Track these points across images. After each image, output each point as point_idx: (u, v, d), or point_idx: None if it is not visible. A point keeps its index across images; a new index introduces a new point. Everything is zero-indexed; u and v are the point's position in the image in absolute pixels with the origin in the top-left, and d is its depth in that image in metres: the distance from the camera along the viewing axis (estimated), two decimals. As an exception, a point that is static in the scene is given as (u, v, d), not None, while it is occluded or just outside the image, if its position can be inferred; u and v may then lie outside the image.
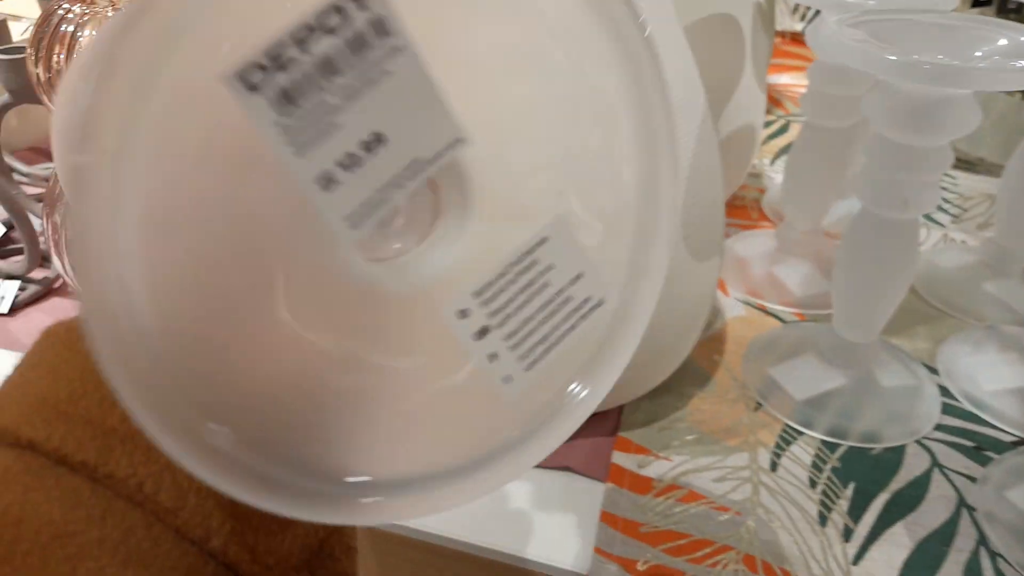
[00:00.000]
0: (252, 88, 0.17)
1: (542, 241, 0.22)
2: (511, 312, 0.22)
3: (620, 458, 0.47)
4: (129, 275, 0.18)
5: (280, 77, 0.17)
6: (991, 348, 0.56)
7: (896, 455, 0.48)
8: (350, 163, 0.18)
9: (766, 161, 0.86)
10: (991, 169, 0.85)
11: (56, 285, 0.63)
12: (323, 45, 0.17)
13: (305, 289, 0.20)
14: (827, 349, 0.53)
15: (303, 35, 0.17)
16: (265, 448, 0.20)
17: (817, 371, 0.53)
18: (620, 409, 0.51)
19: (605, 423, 0.50)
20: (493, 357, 0.22)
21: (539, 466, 0.40)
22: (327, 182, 0.18)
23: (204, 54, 0.17)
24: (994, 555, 0.42)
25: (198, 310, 0.19)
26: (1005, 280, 0.64)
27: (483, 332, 0.22)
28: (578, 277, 0.23)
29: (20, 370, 0.23)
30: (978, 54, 0.43)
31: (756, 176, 0.83)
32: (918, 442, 0.49)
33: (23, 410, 0.21)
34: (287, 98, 0.17)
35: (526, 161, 0.23)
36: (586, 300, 0.23)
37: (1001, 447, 0.49)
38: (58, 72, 0.43)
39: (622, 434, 0.49)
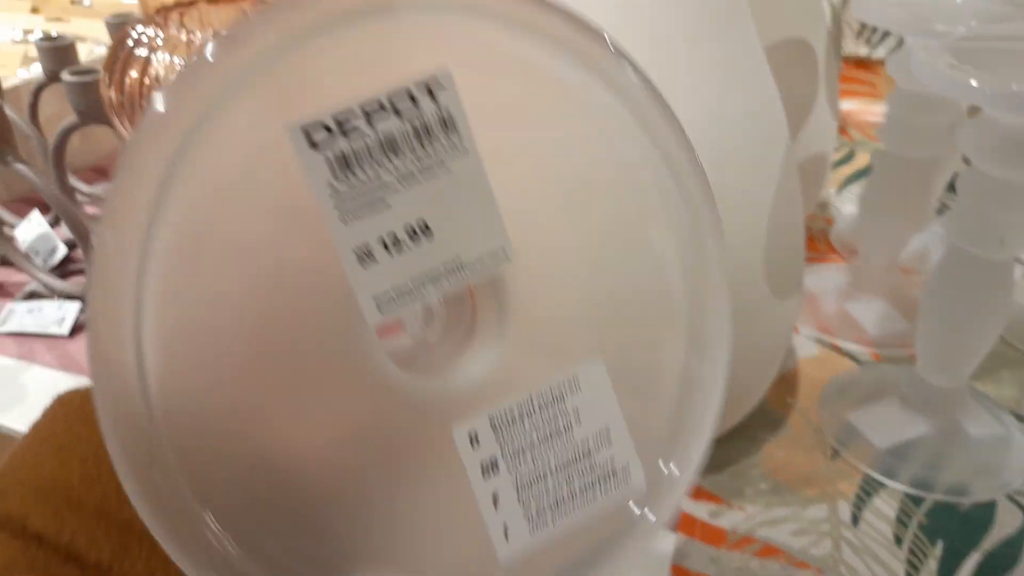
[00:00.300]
0: (313, 145, 0.17)
1: (573, 382, 0.21)
2: (526, 456, 0.21)
3: (691, 505, 0.45)
4: (144, 355, 0.18)
5: (342, 142, 0.18)
6: (1087, 396, 0.53)
7: (987, 511, 0.45)
8: (392, 245, 0.18)
9: (832, 191, 0.83)
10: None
11: (115, 306, 0.63)
12: (390, 124, 0.18)
13: (322, 378, 0.20)
14: (910, 394, 0.50)
15: (373, 109, 0.18)
16: (259, 548, 0.19)
17: (900, 417, 0.50)
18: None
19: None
20: (496, 501, 0.21)
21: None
22: (365, 257, 0.18)
23: (255, 116, 0.17)
24: (1103, 628, 0.38)
25: (213, 393, 0.18)
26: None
27: (492, 467, 0.21)
28: (606, 432, 0.22)
29: (29, 442, 0.21)
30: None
31: (822, 206, 0.80)
32: (1009, 497, 0.46)
33: (31, 495, 0.19)
34: (345, 164, 0.18)
35: (569, 291, 0.22)
36: (611, 469, 0.22)
37: (1104, 506, 0.45)
38: (131, 95, 0.43)
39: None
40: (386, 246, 0.18)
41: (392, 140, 0.18)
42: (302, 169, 0.17)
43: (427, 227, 0.19)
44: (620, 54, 0.20)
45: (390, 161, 0.18)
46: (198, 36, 0.45)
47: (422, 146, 0.18)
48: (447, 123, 0.18)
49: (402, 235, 0.18)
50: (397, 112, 0.18)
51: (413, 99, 0.18)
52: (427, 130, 0.18)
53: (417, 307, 0.20)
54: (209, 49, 0.16)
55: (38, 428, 0.21)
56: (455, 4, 0.18)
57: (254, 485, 0.19)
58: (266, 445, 0.19)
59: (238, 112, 0.17)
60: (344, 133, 0.17)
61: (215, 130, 0.17)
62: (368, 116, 0.18)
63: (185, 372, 0.18)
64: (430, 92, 0.18)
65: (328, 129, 0.17)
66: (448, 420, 0.20)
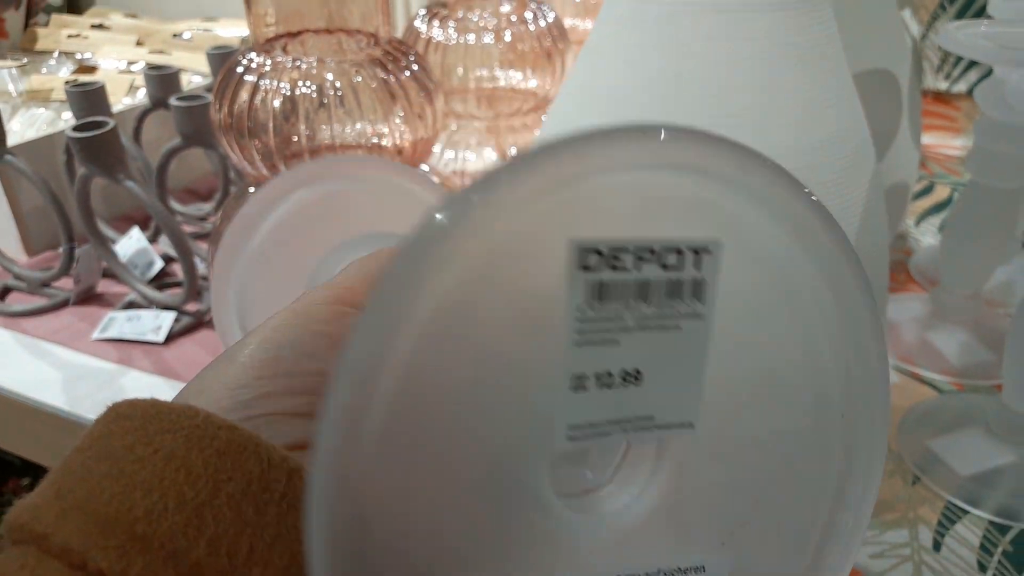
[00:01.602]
0: (584, 266, 0.18)
1: (698, 570, 0.21)
2: None
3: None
4: (364, 503, 0.17)
5: (607, 272, 0.18)
6: None
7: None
8: (604, 382, 0.19)
9: (911, 222, 0.83)
10: None
11: (207, 318, 0.67)
12: (652, 271, 0.18)
13: (496, 503, 0.20)
14: (995, 423, 0.49)
15: (643, 252, 0.18)
16: None
17: (984, 445, 0.49)
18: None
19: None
20: None
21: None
22: (578, 384, 0.19)
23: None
24: None
25: (412, 538, 0.17)
26: None
27: None
28: None
29: (83, 459, 0.18)
30: None
31: (901, 237, 0.79)
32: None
33: (93, 527, 0.16)
34: (601, 292, 0.18)
35: (728, 464, 0.22)
36: None
37: None
38: (239, 117, 0.46)
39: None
40: (599, 380, 0.19)
41: (647, 285, 0.19)
42: (565, 286, 0.18)
43: (638, 375, 0.19)
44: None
45: (638, 304, 0.19)
46: (303, 64, 0.48)
47: (669, 300, 0.19)
48: (698, 287, 0.19)
49: (617, 376, 0.19)
50: (662, 262, 0.18)
51: (680, 255, 0.19)
52: (679, 287, 0.19)
53: (599, 445, 0.20)
54: (504, 166, 0.17)
55: (92, 442, 0.18)
56: (736, 183, 0.19)
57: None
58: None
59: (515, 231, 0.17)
60: (612, 265, 0.18)
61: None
62: (637, 257, 0.18)
63: (396, 519, 0.17)
64: (696, 254, 0.19)
65: (600, 254, 0.18)
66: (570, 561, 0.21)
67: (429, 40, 0.65)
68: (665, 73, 0.37)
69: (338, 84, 0.45)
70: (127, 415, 0.18)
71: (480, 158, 0.66)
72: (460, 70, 0.66)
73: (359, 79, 0.46)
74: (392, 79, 0.47)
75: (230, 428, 0.18)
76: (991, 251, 0.59)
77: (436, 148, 0.67)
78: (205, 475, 0.17)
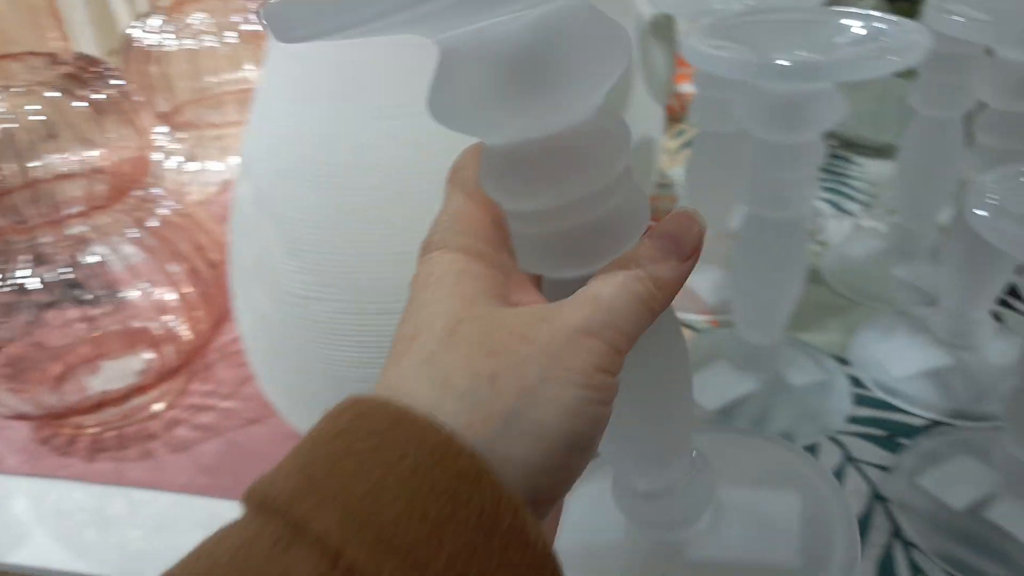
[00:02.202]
0: None
1: None
2: None
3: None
4: None
5: None
6: (901, 333, 0.57)
7: (811, 454, 0.48)
8: None
9: (679, 170, 0.87)
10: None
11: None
12: None
13: None
14: (737, 355, 0.53)
15: None
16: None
17: (729, 378, 0.53)
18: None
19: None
20: None
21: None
22: None
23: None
24: (908, 545, 0.41)
25: None
26: (912, 262, 0.64)
27: None
28: None
29: (328, 451, 0.19)
30: (839, 45, 0.43)
31: (667, 186, 0.83)
32: (831, 438, 0.49)
33: (350, 521, 0.17)
34: None
35: None
36: None
37: (913, 432, 0.49)
38: None
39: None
40: None
41: None
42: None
43: None
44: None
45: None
46: None
47: None
48: None
49: None
50: None
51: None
52: None
53: None
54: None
55: (335, 436, 0.19)
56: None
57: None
58: None
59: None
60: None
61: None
62: None
63: None
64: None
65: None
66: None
67: (151, 48, 0.62)
68: (342, 62, 0.37)
69: (10, 115, 0.42)
70: (367, 415, 0.19)
71: (228, 168, 0.64)
72: (196, 76, 0.63)
73: (37, 106, 0.43)
74: (78, 101, 0.44)
75: (470, 454, 0.18)
76: (727, 191, 0.63)
77: (175, 162, 0.64)
78: (447, 494, 0.18)
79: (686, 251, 0.23)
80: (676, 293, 0.23)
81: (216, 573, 0.17)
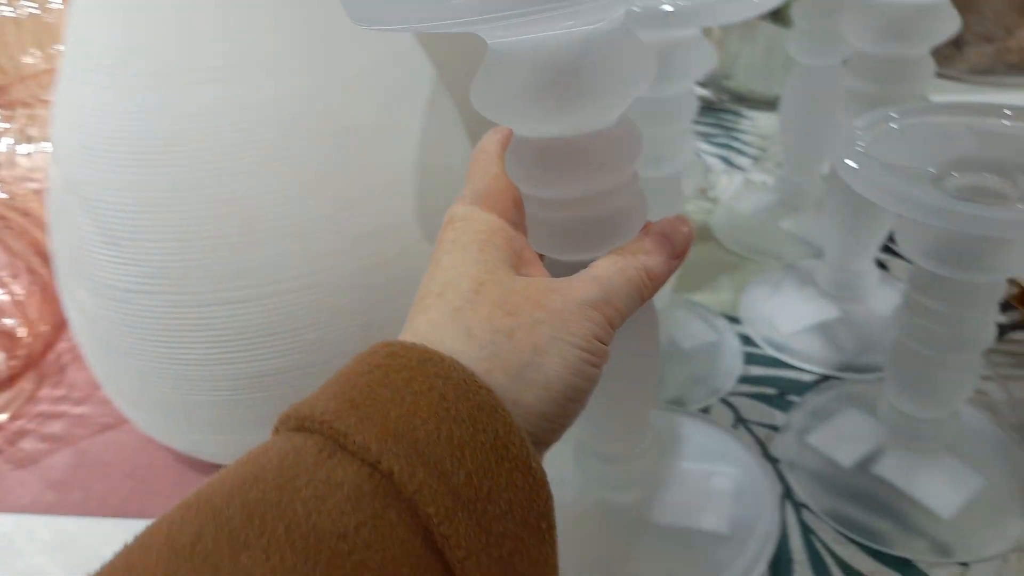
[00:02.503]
0: None
1: None
2: None
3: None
4: None
5: None
6: (789, 287, 0.56)
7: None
8: None
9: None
10: (785, 105, 0.86)
11: None
12: None
13: None
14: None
15: None
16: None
17: (619, 344, 0.51)
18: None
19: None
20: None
21: None
22: None
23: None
24: (798, 506, 0.40)
25: None
26: (799, 215, 0.64)
27: None
28: None
29: (366, 381, 0.22)
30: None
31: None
32: (722, 400, 0.48)
33: (386, 435, 0.20)
34: None
35: None
36: None
37: (803, 388, 0.48)
38: None
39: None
40: None
41: None
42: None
43: None
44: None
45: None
46: None
47: None
48: None
49: None
50: None
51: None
52: None
53: None
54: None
55: (371, 369, 0.22)
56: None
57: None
58: None
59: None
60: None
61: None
62: None
63: None
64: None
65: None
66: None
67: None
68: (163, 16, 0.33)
69: None
70: (398, 354, 0.22)
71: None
72: (22, 49, 0.56)
73: None
74: None
75: (488, 390, 0.22)
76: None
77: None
78: (468, 421, 0.21)
79: (677, 250, 0.27)
80: (664, 284, 0.27)
81: (265, 475, 0.20)
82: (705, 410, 0.47)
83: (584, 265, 0.26)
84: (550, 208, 0.26)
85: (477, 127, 0.48)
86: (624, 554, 0.37)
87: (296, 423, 0.21)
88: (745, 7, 0.36)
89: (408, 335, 0.24)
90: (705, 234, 0.65)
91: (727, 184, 0.73)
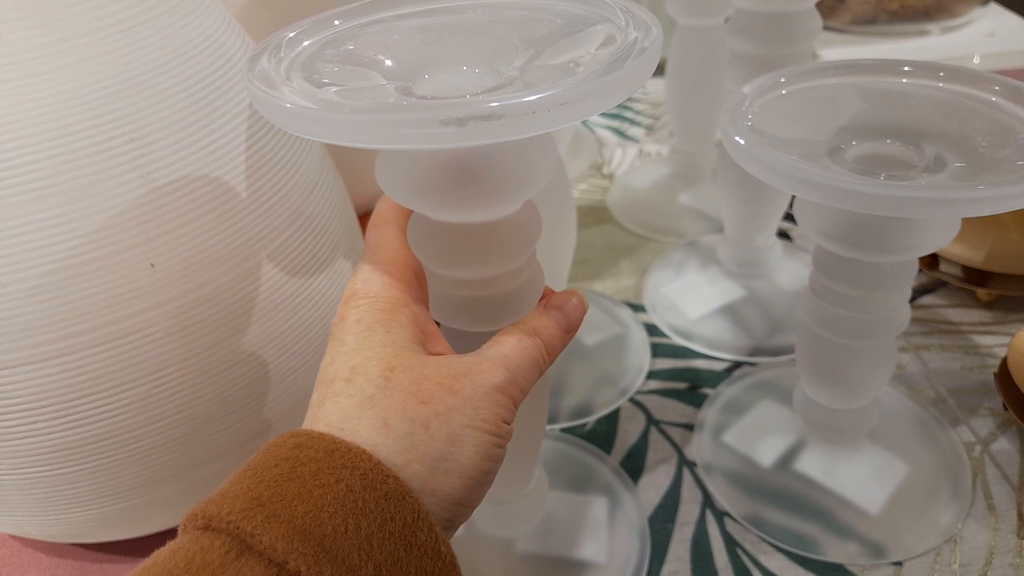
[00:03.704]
0: None
1: None
2: None
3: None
4: None
5: None
6: (692, 268, 0.52)
7: (610, 424, 0.42)
8: None
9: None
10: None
11: None
12: None
13: None
14: (521, 321, 0.47)
15: None
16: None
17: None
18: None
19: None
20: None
21: None
22: None
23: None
24: (720, 515, 0.37)
25: None
26: (696, 187, 0.60)
27: None
28: None
29: (273, 475, 0.22)
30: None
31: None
32: (632, 400, 0.44)
33: (292, 534, 0.20)
34: None
35: None
36: None
37: (715, 379, 0.44)
38: None
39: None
40: None
41: None
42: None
43: None
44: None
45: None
46: None
47: None
48: None
49: None
50: None
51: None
52: None
53: None
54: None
55: (278, 462, 0.22)
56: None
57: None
58: None
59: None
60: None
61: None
62: None
63: None
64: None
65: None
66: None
67: None
68: None
69: None
70: (306, 445, 0.22)
71: None
72: None
73: None
74: None
75: (395, 478, 0.22)
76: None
77: None
78: (376, 512, 0.21)
79: (571, 323, 0.28)
80: (558, 356, 0.28)
81: None
82: (616, 413, 0.43)
83: (485, 336, 0.26)
84: (454, 286, 0.27)
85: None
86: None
87: (203, 522, 0.21)
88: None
89: (319, 423, 0.23)
90: (602, 214, 0.61)
91: (621, 158, 0.69)
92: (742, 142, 0.28)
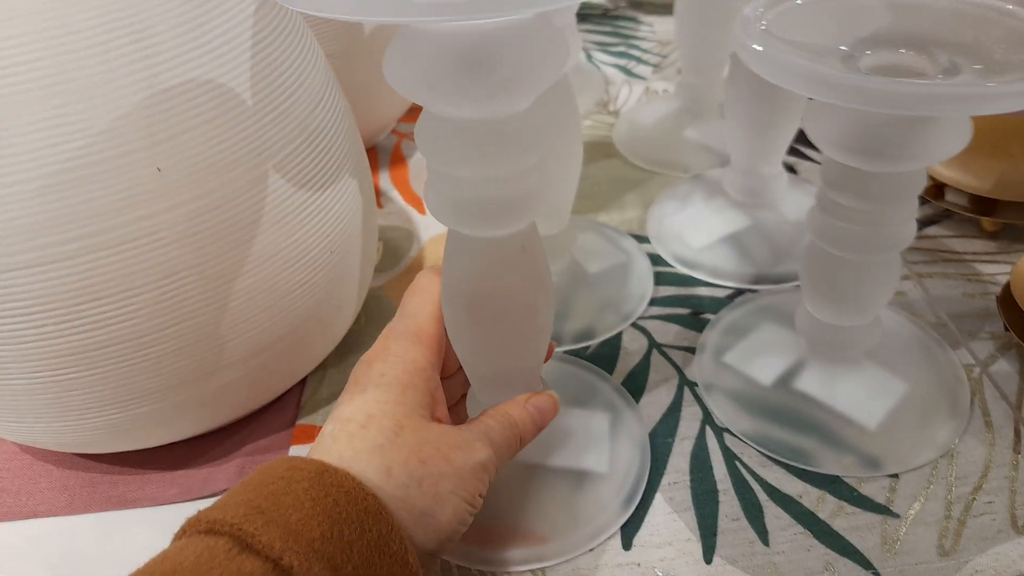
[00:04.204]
0: None
1: None
2: None
3: (298, 453, 0.38)
4: None
5: None
6: (697, 200, 0.52)
7: (612, 347, 0.43)
8: None
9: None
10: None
11: None
12: None
13: None
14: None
15: None
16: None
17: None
18: (300, 386, 0.42)
19: (281, 413, 0.41)
20: None
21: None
22: None
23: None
24: (720, 431, 0.37)
25: None
26: (703, 122, 0.60)
27: None
28: None
29: (271, 491, 0.25)
30: None
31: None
32: (634, 325, 0.44)
33: (288, 535, 0.24)
34: None
35: None
36: None
37: (718, 306, 0.45)
38: None
39: (303, 421, 0.40)
40: None
41: None
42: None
43: None
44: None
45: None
46: None
47: None
48: None
49: None
50: None
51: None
52: None
53: None
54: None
55: (275, 480, 0.26)
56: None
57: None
58: None
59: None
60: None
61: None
62: None
63: None
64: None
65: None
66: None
67: None
68: None
69: None
70: (300, 467, 0.26)
71: None
72: None
73: None
74: None
75: (373, 496, 0.26)
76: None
77: None
78: (356, 523, 0.25)
79: (543, 423, 0.32)
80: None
81: (183, 571, 0.23)
82: (618, 337, 0.43)
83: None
84: (458, 186, 0.27)
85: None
86: (522, 497, 0.35)
87: (207, 526, 0.24)
88: None
89: (330, 456, 0.27)
90: (608, 150, 0.61)
91: (627, 95, 0.69)
92: (757, 47, 0.28)
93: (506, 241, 0.29)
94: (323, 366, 0.43)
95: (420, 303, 0.32)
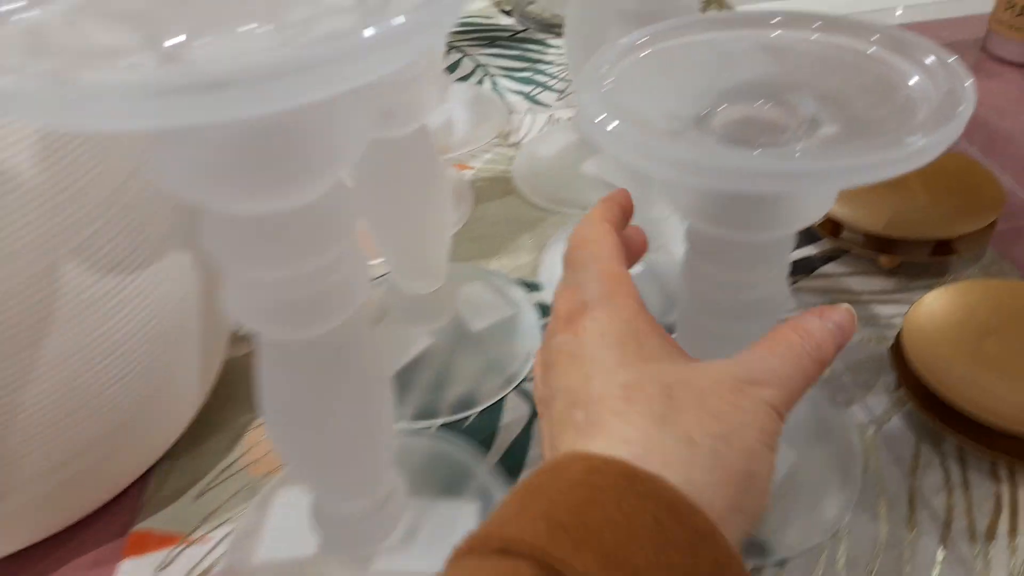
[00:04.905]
0: None
1: None
2: None
3: (130, 568, 0.34)
4: None
5: None
6: (591, 241, 0.49)
7: (492, 417, 0.40)
8: None
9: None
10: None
11: None
12: None
13: None
14: (404, 308, 0.43)
15: None
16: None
17: (400, 338, 0.43)
18: (142, 482, 0.38)
19: (115, 517, 0.36)
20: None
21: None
22: None
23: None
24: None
25: None
26: (600, 155, 0.57)
27: None
28: None
29: (572, 501, 0.20)
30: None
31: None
32: (517, 389, 0.41)
33: (601, 562, 0.19)
34: None
35: None
36: None
37: (607, 362, 0.42)
38: None
39: (141, 527, 0.36)
40: None
41: None
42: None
43: None
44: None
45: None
46: None
47: None
48: None
49: None
50: None
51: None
52: None
53: None
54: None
55: (572, 488, 0.20)
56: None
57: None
58: None
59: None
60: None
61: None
62: None
63: None
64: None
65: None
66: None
67: None
68: None
69: None
70: (601, 470, 0.21)
71: None
72: None
73: None
74: None
75: (703, 515, 0.20)
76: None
77: None
78: (687, 548, 0.20)
79: (843, 345, 0.25)
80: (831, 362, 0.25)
81: None
82: (500, 404, 0.40)
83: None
84: (260, 287, 0.24)
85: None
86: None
87: (500, 545, 0.20)
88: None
89: (611, 440, 0.22)
90: (507, 186, 0.58)
91: (531, 125, 0.66)
92: (592, 116, 0.25)
93: (321, 341, 0.25)
94: (171, 455, 0.38)
95: (599, 247, 0.26)
